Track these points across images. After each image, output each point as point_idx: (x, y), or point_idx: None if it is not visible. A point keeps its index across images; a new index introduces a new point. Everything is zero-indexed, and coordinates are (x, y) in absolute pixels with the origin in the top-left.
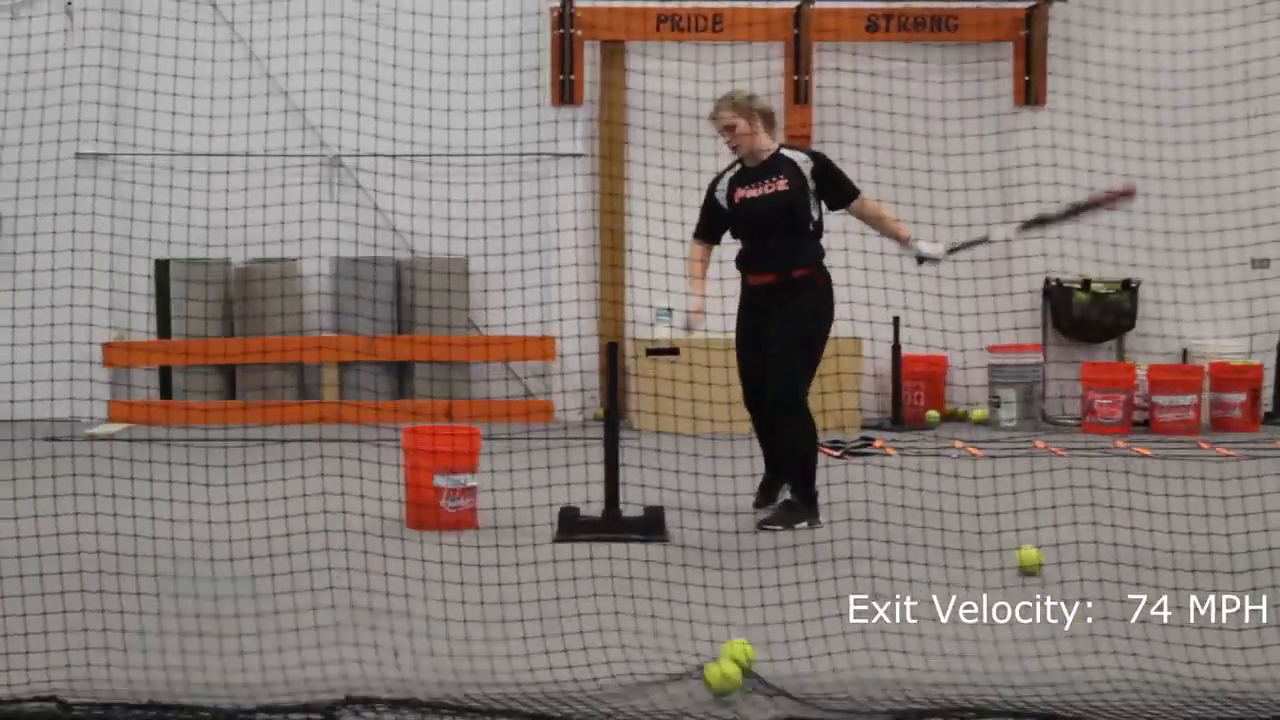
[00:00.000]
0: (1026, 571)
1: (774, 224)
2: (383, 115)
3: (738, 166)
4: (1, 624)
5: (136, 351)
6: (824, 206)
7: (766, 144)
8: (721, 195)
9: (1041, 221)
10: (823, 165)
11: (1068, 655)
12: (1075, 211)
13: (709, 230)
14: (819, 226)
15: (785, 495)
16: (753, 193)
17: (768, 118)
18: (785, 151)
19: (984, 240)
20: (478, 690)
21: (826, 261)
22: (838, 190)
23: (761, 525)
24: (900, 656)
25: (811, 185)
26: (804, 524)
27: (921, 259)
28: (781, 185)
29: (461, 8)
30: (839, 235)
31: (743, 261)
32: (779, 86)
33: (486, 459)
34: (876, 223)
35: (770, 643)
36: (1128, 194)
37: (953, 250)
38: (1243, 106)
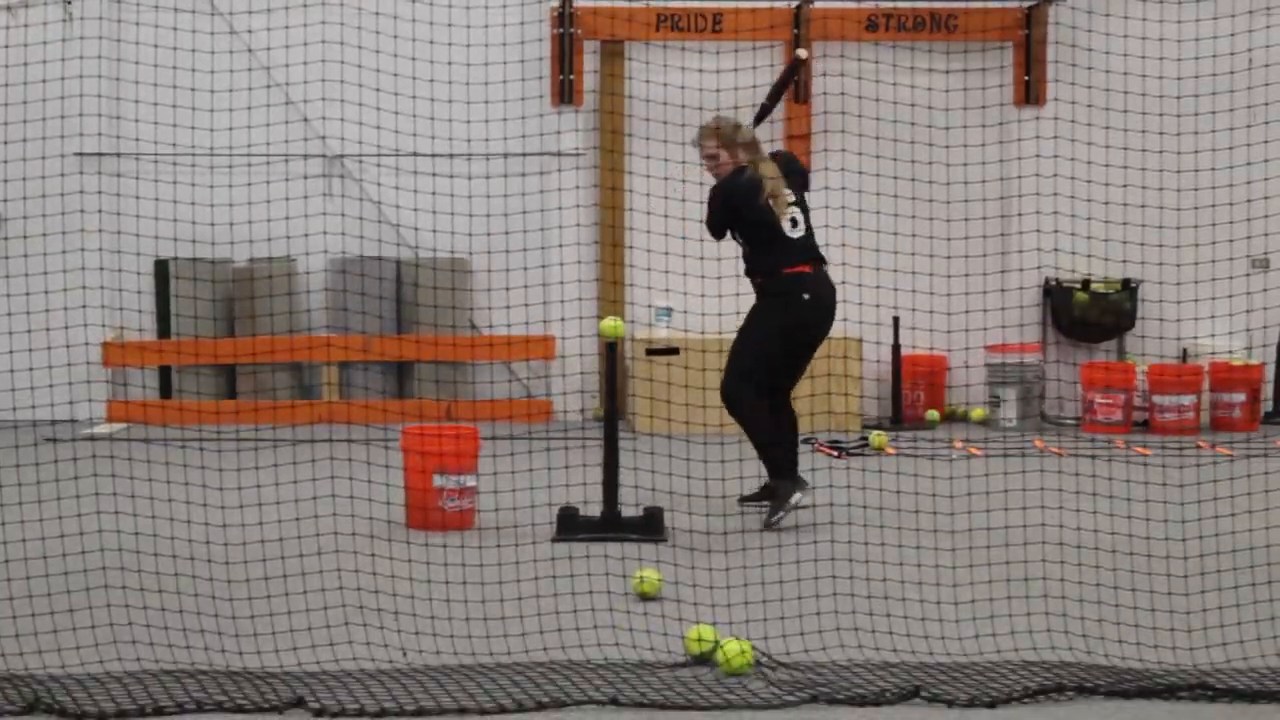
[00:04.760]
0: (646, 595)
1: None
2: (383, 115)
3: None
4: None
5: (136, 351)
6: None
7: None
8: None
9: (763, 111)
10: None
11: (1062, 649)
12: (778, 90)
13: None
14: (758, 241)
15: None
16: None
17: (745, 144)
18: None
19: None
20: (477, 689)
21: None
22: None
23: (766, 526)
24: (895, 653)
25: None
26: (796, 495)
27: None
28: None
29: (462, 8)
30: (836, 231)
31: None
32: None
33: (486, 459)
34: None
35: (769, 638)
36: (796, 63)
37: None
38: (1244, 107)
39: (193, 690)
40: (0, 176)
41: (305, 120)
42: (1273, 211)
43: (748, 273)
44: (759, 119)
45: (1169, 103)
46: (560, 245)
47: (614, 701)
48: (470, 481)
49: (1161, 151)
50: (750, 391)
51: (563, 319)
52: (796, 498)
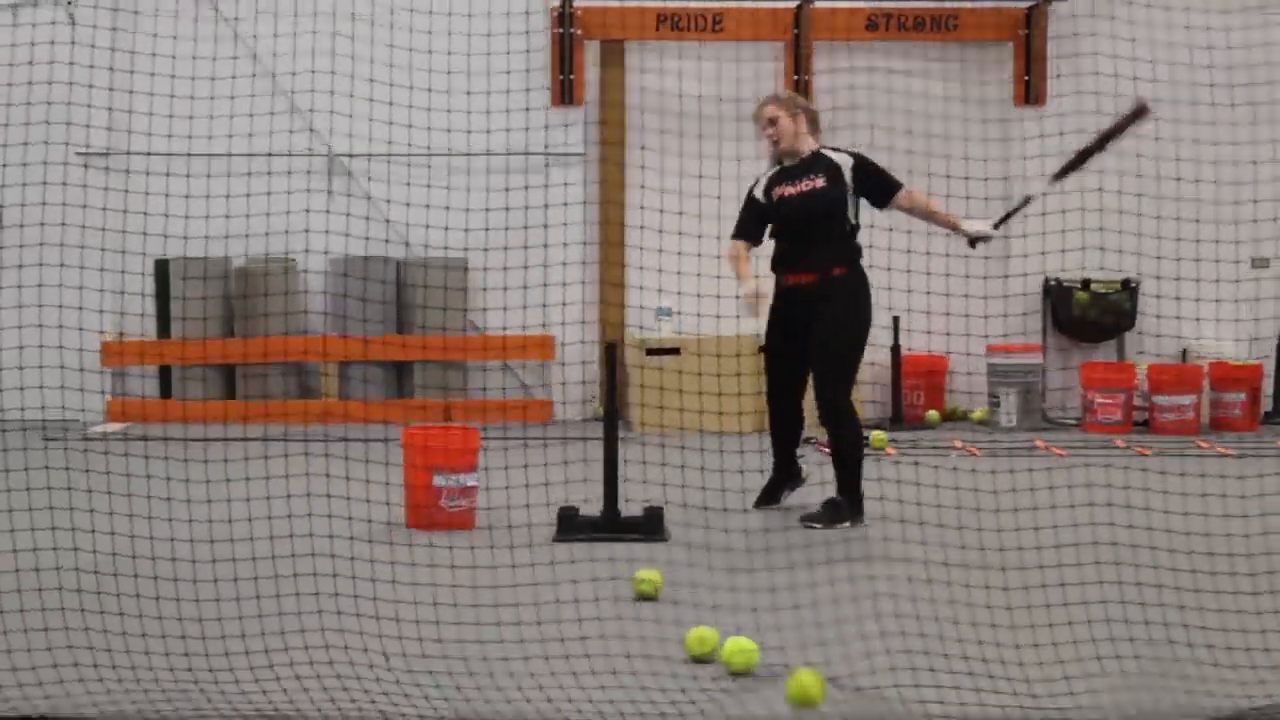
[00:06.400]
0: (647, 596)
1: (812, 222)
2: (383, 115)
3: (776, 168)
4: (1, 622)
5: (136, 351)
6: (859, 207)
7: (808, 144)
8: (760, 192)
9: (1070, 167)
10: (862, 164)
11: (1069, 662)
12: (1101, 143)
13: (747, 229)
14: (855, 228)
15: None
16: (791, 190)
17: (812, 118)
18: (825, 152)
19: (1027, 202)
20: (476, 690)
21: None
22: (880, 186)
23: (803, 521)
24: (900, 656)
25: (851, 185)
26: (846, 524)
27: (974, 241)
28: (820, 183)
29: (461, 8)
30: None
31: (779, 262)
32: (779, 86)
33: (486, 459)
34: (925, 214)
35: (770, 642)
36: (1142, 111)
37: (1001, 222)
38: (1244, 105)
39: (212, 697)
40: (0, 176)
41: (306, 121)
42: (1273, 211)
43: (829, 264)
44: (1069, 169)
45: (1169, 103)
46: (560, 245)
47: (644, 715)
48: (470, 481)
49: (1162, 152)
50: (850, 401)
51: (563, 320)
52: (844, 526)
